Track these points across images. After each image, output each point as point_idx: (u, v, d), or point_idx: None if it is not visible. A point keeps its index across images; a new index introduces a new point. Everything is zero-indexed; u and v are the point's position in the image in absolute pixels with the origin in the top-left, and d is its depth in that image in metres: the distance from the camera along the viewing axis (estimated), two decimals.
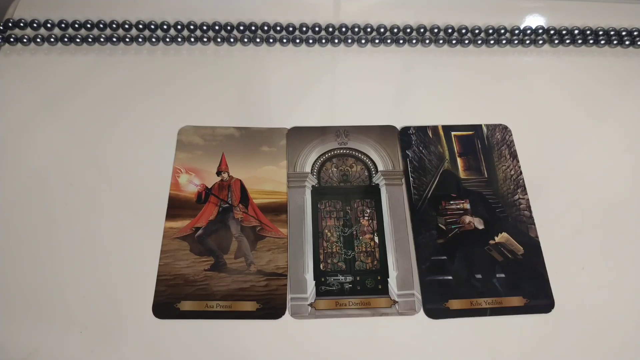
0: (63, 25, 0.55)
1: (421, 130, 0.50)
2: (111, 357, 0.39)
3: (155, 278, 0.42)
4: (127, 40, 0.54)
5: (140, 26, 0.55)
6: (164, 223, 0.44)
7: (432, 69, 0.55)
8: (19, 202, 0.45)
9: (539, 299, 0.42)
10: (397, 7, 0.59)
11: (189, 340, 0.40)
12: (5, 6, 0.57)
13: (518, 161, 0.49)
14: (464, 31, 0.56)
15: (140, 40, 0.55)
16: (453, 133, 0.50)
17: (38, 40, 0.54)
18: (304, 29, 0.56)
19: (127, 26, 0.55)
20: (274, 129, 0.50)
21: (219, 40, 0.55)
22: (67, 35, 0.54)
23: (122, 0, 0.58)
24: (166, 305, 0.41)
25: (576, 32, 0.57)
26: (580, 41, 0.56)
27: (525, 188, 0.47)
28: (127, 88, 0.52)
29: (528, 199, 0.46)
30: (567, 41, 0.56)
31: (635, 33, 0.57)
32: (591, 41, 0.57)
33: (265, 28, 0.55)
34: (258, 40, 0.55)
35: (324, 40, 0.55)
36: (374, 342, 0.40)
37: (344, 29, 0.56)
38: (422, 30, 0.56)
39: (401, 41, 0.56)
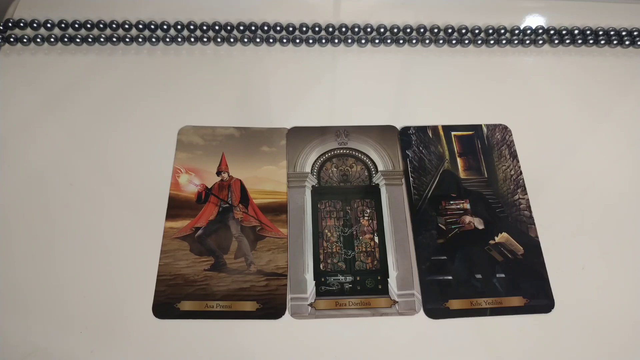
0: (63, 25, 0.55)
1: (421, 130, 0.50)
2: (111, 357, 0.39)
3: (155, 278, 0.42)
4: (127, 40, 0.54)
5: (140, 26, 0.55)
6: (164, 223, 0.44)
7: (433, 69, 0.55)
8: (19, 202, 0.45)
9: (539, 299, 0.42)
10: (397, 7, 0.59)
11: (189, 340, 0.40)
12: (5, 6, 0.57)
13: (518, 161, 0.49)
14: (464, 31, 0.56)
15: (140, 40, 0.54)
16: (453, 133, 0.50)
17: (38, 40, 0.54)
18: (304, 29, 0.56)
19: (127, 26, 0.55)
20: (274, 129, 0.50)
21: (219, 40, 0.55)
22: (67, 35, 0.54)
23: (122, 0, 0.58)
24: (166, 305, 0.41)
25: (576, 32, 0.57)
26: (580, 41, 0.56)
27: (525, 188, 0.47)
28: (127, 88, 0.52)
29: (528, 199, 0.46)
30: (567, 41, 0.56)
31: (635, 33, 0.57)
32: (591, 41, 0.57)
33: (265, 28, 0.55)
34: (258, 40, 0.55)
35: (324, 40, 0.55)
36: (374, 342, 0.40)
37: (344, 29, 0.56)
38: (422, 30, 0.56)
39: (401, 41, 0.56)
